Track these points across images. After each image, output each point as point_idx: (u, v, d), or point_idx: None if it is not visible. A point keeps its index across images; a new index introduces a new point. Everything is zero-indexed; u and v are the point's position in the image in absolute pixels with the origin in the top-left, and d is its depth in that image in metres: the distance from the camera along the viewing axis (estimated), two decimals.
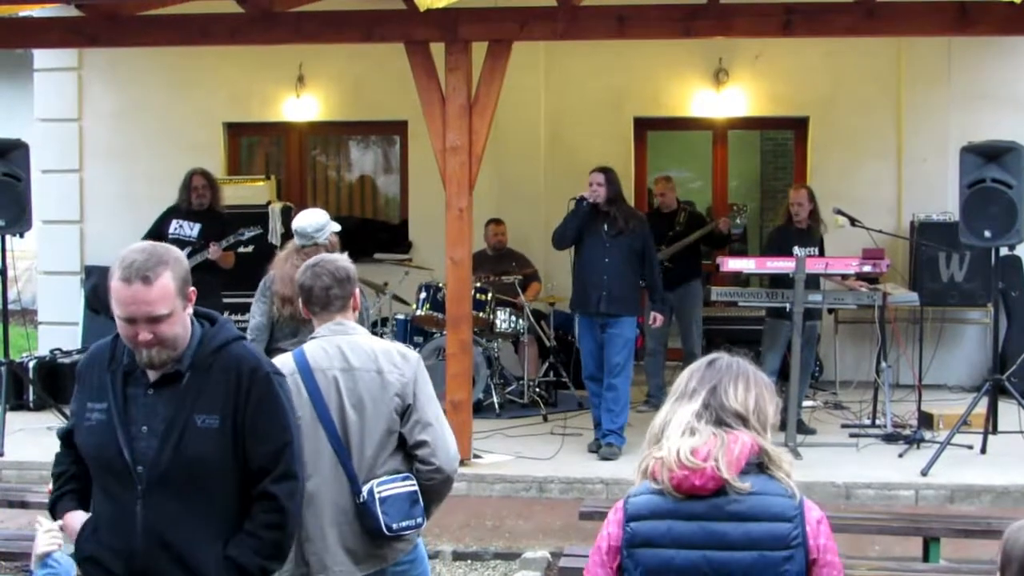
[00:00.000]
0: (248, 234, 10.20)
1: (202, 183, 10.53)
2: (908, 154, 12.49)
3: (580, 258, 9.59)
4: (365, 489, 4.18)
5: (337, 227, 7.00)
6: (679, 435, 3.06)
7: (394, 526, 4.18)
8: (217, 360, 3.56)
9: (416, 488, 4.27)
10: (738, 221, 11.60)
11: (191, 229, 10.44)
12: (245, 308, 11.41)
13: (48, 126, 13.38)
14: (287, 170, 13.77)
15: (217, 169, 13.01)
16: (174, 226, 10.46)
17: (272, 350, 6.83)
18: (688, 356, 11.12)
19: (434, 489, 4.32)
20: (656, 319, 9.78)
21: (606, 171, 9.59)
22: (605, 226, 9.43)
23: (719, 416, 3.07)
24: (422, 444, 4.24)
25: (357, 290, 4.51)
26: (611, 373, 9.35)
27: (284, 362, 4.30)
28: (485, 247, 11.93)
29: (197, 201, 10.48)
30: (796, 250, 9.67)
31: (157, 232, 10.52)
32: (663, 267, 10.85)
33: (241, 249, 10.79)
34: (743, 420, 3.07)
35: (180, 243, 10.26)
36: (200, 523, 3.49)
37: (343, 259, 4.55)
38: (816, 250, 9.91)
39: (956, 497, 8.49)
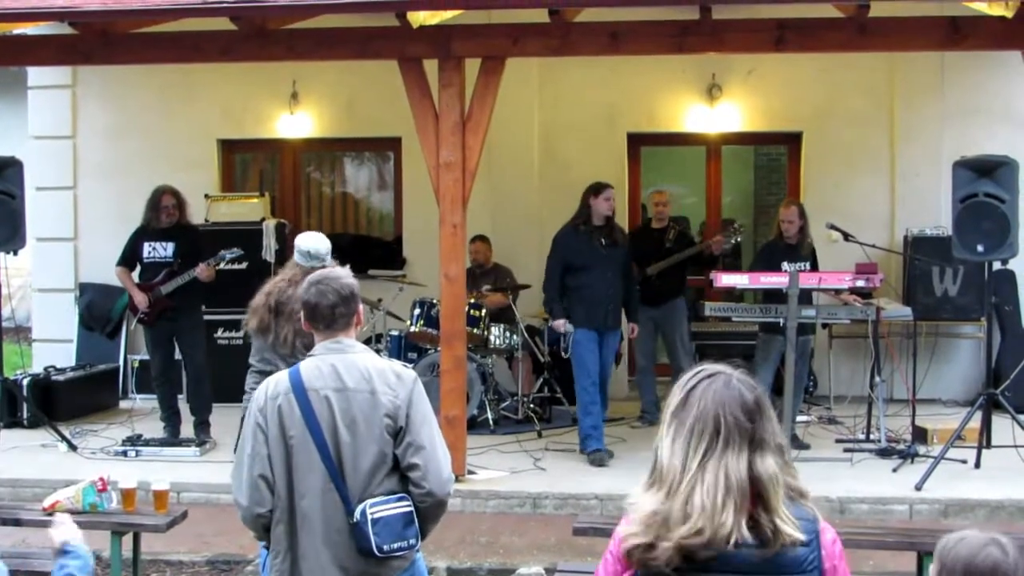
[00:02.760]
0: (229, 256, 10.19)
1: (172, 201, 10.47)
2: (901, 168, 12.51)
3: (585, 276, 9.67)
4: (358, 510, 4.15)
5: None
6: (715, 496, 2.85)
7: (385, 547, 4.15)
8: None
9: (411, 509, 4.23)
10: (732, 241, 11.57)
11: (165, 249, 10.41)
12: (229, 325, 11.56)
13: (42, 143, 13.38)
14: (281, 187, 13.78)
15: (211, 186, 13.06)
16: (147, 249, 10.43)
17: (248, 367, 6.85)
18: (677, 372, 11.11)
19: (427, 511, 4.27)
20: (634, 330, 10.25)
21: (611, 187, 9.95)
22: (602, 240, 9.51)
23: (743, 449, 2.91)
24: (414, 467, 4.20)
25: (361, 306, 4.49)
26: (607, 377, 9.86)
27: (279, 380, 4.30)
28: (471, 264, 11.92)
29: (167, 219, 10.43)
30: (785, 265, 9.68)
31: (131, 256, 10.52)
32: (650, 282, 10.91)
33: (234, 267, 10.80)
34: (767, 447, 2.94)
35: (158, 265, 10.29)
36: None
37: (347, 275, 4.48)
38: (806, 265, 9.91)
39: (950, 512, 8.49)
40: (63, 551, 3.66)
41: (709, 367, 3.02)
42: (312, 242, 6.82)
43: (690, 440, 2.89)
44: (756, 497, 2.88)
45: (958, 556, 2.84)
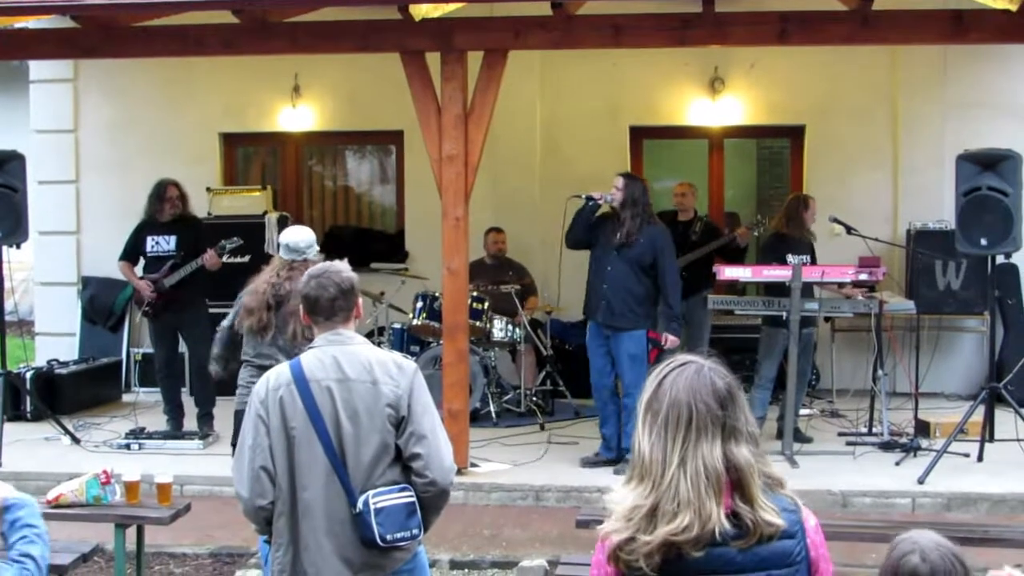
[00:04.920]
0: (229, 246, 10.19)
1: (176, 193, 10.51)
2: (904, 162, 12.50)
3: (591, 263, 9.51)
4: (361, 500, 4.16)
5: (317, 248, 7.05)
6: (699, 487, 2.84)
7: (388, 537, 4.16)
8: None
9: (413, 499, 4.24)
10: (755, 234, 11.53)
11: (167, 243, 10.42)
12: None
13: (44, 137, 13.38)
14: (283, 180, 13.78)
15: (213, 179, 13.06)
16: (150, 243, 10.45)
17: (242, 362, 6.89)
18: None
19: (429, 501, 4.28)
20: (667, 339, 9.26)
21: (628, 176, 9.50)
22: (617, 235, 9.26)
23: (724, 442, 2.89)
24: (416, 457, 4.21)
25: (360, 300, 4.50)
26: (625, 392, 9.28)
27: (280, 372, 4.30)
28: (483, 256, 11.94)
29: (171, 211, 10.45)
30: (790, 257, 9.67)
31: (133, 250, 10.53)
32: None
33: (237, 259, 10.79)
34: (740, 435, 2.90)
35: (161, 259, 10.30)
36: None
37: (347, 269, 4.51)
38: (807, 258, 9.89)
39: (953, 505, 8.49)
40: (5, 507, 3.64)
41: (681, 357, 3.01)
42: (290, 236, 6.92)
43: (665, 431, 2.88)
44: (733, 487, 2.86)
45: (887, 560, 2.87)
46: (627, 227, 9.21)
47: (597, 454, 9.50)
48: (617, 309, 9.22)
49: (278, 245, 7.16)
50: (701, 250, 11.06)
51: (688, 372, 2.94)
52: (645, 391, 2.97)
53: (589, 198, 9.34)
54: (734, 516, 2.84)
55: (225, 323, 7.27)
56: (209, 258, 10.11)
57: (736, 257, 11.12)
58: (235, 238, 10.25)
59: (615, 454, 9.36)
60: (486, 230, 11.92)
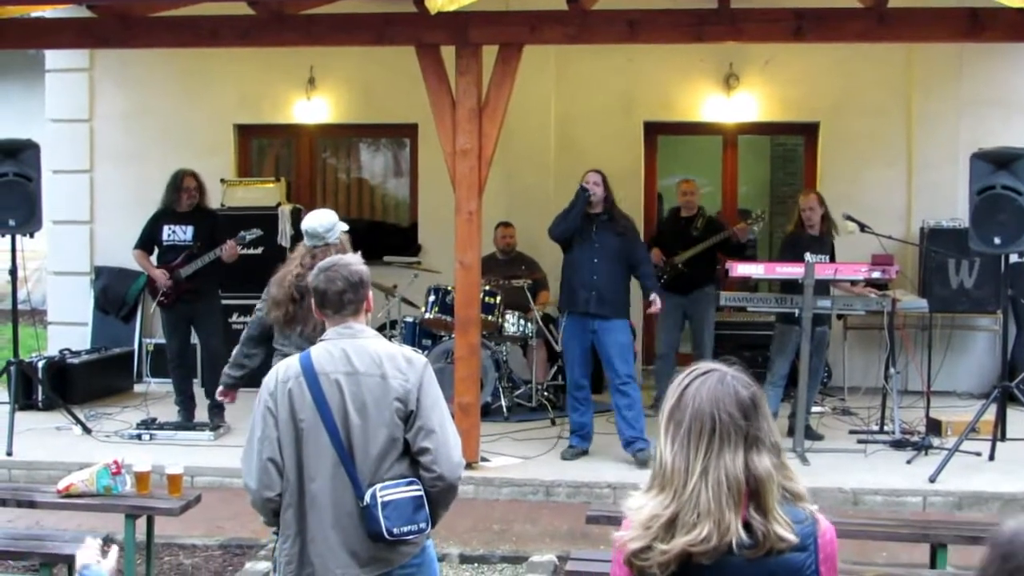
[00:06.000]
0: (248, 237, 10.21)
1: (193, 184, 10.53)
2: (918, 160, 12.47)
3: (569, 258, 9.53)
4: (368, 493, 4.16)
5: (345, 226, 6.91)
6: (720, 498, 2.80)
7: (395, 530, 4.15)
8: None
9: (421, 493, 4.23)
10: (755, 229, 11.52)
11: (184, 233, 10.44)
12: (244, 309, 11.55)
13: (59, 127, 13.42)
14: (297, 172, 13.79)
15: (228, 171, 13.07)
16: (167, 232, 10.47)
17: (274, 350, 6.85)
18: (699, 361, 11.01)
19: (438, 496, 4.28)
20: (654, 301, 9.40)
21: (601, 172, 9.58)
22: (594, 228, 9.37)
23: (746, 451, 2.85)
24: (424, 451, 4.20)
25: (371, 293, 4.49)
26: (620, 380, 9.29)
27: (289, 365, 4.31)
28: (494, 250, 11.94)
29: (188, 201, 10.47)
30: (808, 256, 9.65)
31: (149, 239, 10.54)
32: (679, 271, 10.84)
33: (250, 251, 10.81)
34: (763, 446, 2.86)
35: (177, 249, 10.31)
36: None
37: (357, 262, 4.50)
38: (828, 257, 9.87)
39: (964, 504, 8.47)
40: (80, 573, 3.64)
41: (703, 365, 2.97)
42: (308, 221, 6.78)
43: (688, 441, 2.84)
44: (750, 497, 2.82)
45: (995, 540, 2.81)
46: (609, 221, 9.45)
47: (572, 446, 9.56)
48: (608, 298, 9.32)
49: (292, 236, 7.09)
50: (700, 245, 11.08)
51: (711, 381, 2.90)
52: (667, 400, 2.94)
53: (585, 189, 9.43)
54: (746, 526, 2.81)
55: (255, 317, 7.07)
56: (228, 249, 10.13)
57: (738, 253, 11.14)
58: (255, 229, 10.27)
59: (590, 442, 9.58)
60: (495, 225, 11.93)
